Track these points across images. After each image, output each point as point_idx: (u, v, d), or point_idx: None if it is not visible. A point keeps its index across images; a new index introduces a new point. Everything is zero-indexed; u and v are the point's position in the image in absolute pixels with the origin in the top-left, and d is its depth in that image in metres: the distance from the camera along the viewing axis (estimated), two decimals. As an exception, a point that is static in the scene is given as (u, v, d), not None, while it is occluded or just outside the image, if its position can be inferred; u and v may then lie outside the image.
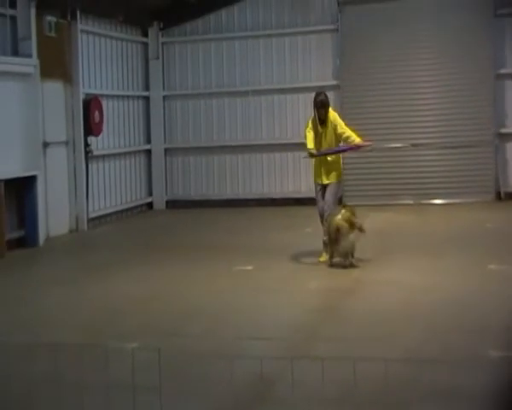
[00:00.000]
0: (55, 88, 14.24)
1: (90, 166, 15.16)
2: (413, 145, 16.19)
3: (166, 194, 18.03)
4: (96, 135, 15.24)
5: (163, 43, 17.96)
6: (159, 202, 17.95)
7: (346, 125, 10.70)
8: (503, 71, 16.17)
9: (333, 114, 10.73)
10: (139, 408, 5.10)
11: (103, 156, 15.93)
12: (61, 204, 14.30)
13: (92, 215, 15.18)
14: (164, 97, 17.94)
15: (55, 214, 14.00)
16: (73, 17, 14.64)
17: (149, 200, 17.90)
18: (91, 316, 8.16)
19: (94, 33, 15.69)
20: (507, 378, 5.64)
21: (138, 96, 17.61)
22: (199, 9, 17.60)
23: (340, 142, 10.69)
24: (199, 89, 17.78)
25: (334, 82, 16.55)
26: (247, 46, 17.47)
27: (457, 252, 10.89)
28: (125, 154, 16.89)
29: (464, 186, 16.21)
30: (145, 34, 17.85)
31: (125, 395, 5.20)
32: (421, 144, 16.33)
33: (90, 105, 14.93)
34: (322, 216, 10.55)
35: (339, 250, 9.92)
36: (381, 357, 5.50)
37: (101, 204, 15.78)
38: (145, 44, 17.88)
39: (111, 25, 16.40)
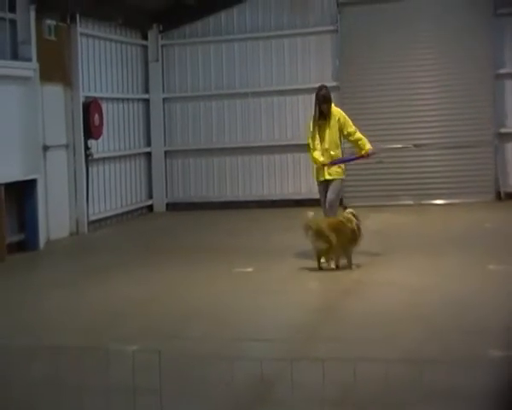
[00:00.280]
0: (54, 91, 14.25)
1: (90, 169, 15.16)
2: (415, 146, 16.19)
3: (167, 196, 18.03)
4: (96, 138, 15.25)
5: (162, 46, 17.97)
6: (159, 204, 17.96)
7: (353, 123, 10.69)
8: (502, 71, 16.16)
9: (338, 111, 10.68)
10: (139, 411, 5.12)
11: (103, 159, 15.93)
12: (61, 207, 14.31)
13: (92, 218, 15.19)
14: (163, 100, 17.95)
15: (55, 218, 14.01)
16: (73, 20, 14.65)
17: (150, 202, 17.91)
18: (92, 319, 8.16)
19: (93, 36, 15.71)
20: (507, 378, 5.65)
21: (138, 99, 17.62)
22: (198, 12, 17.61)
23: (341, 138, 10.68)
24: (198, 91, 17.79)
25: (334, 83, 16.53)
26: (247, 48, 17.48)
27: (457, 252, 10.89)
28: (125, 157, 16.90)
29: (464, 186, 16.20)
30: (145, 37, 17.86)
31: (125, 397, 5.21)
32: (422, 145, 16.34)
33: (90, 108, 14.94)
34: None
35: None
36: (381, 358, 5.52)
37: (101, 207, 15.78)
38: (145, 47, 17.89)
39: (110, 28, 16.41)
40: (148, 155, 17.94)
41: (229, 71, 17.59)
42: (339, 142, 10.69)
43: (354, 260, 10.06)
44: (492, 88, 16.13)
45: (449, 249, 11.17)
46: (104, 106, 15.67)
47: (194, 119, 17.87)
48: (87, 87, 15.30)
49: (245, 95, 17.46)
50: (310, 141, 10.66)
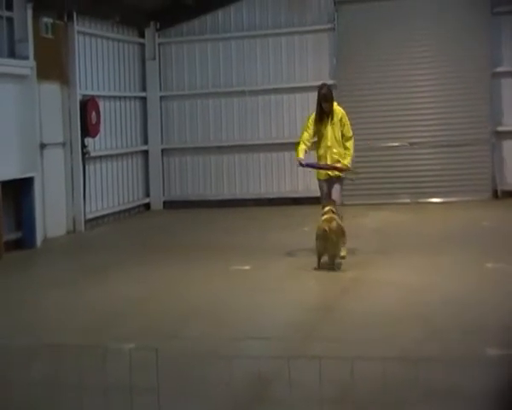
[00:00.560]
0: (51, 89, 14.23)
1: (87, 167, 15.14)
2: (411, 144, 16.19)
3: (164, 194, 18.02)
4: (93, 136, 15.23)
5: (160, 44, 17.96)
6: (156, 202, 17.94)
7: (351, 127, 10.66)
8: (499, 69, 16.17)
9: (341, 111, 10.60)
10: (138, 409, 5.10)
11: (100, 157, 15.91)
12: (58, 205, 14.29)
13: (89, 216, 15.17)
14: (161, 98, 17.93)
15: (52, 216, 14.00)
16: (70, 18, 14.63)
17: (147, 200, 17.89)
18: (90, 317, 8.14)
19: (90, 34, 15.68)
20: (506, 377, 5.65)
21: (135, 97, 17.60)
22: (195, 10, 17.60)
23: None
24: (195, 89, 17.78)
25: (331, 81, 16.47)
26: (244, 46, 17.47)
27: (455, 250, 10.89)
28: (122, 155, 16.88)
29: (461, 185, 16.21)
30: (142, 35, 17.84)
31: (124, 396, 5.20)
32: (419, 143, 16.35)
33: (87, 106, 14.92)
34: None
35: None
36: (380, 356, 5.51)
37: (98, 205, 15.77)
38: (142, 45, 17.87)
39: (107, 26, 16.38)
40: (146, 153, 17.92)
41: (227, 69, 17.57)
42: (341, 140, 10.58)
43: (348, 258, 10.13)
44: (489, 86, 16.15)
45: (447, 248, 11.18)
46: (101, 104, 15.65)
47: (191, 117, 17.85)
48: (84, 85, 15.28)
49: (242, 93, 17.44)
50: (301, 134, 10.60)
